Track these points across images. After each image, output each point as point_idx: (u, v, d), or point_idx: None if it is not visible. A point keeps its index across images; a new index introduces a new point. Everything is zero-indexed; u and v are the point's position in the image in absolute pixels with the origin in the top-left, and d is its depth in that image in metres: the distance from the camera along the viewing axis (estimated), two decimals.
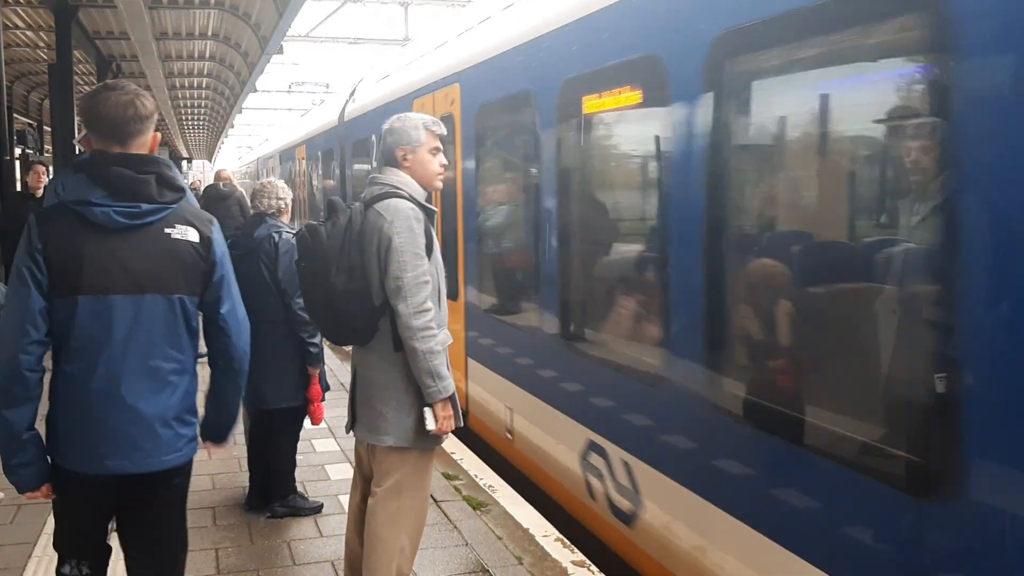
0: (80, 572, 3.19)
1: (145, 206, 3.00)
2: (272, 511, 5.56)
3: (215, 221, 3.27)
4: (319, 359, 5.44)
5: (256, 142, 45.22)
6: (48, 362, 3.01)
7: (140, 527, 3.22)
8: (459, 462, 6.79)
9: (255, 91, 25.90)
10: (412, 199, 3.93)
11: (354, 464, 4.34)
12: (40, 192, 8.84)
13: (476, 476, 6.45)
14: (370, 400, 3.99)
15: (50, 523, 3.51)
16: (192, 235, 3.10)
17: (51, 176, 9.08)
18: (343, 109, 13.51)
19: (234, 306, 3.29)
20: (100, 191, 2.96)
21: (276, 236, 5.37)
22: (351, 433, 4.18)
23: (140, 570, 3.28)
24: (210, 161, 58.45)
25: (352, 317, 3.89)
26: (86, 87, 24.28)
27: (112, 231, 2.97)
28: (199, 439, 3.26)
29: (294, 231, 5.03)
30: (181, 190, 3.12)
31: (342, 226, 3.88)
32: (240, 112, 31.80)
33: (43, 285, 2.93)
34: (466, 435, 7.14)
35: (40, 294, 2.92)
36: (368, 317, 3.90)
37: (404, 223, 3.83)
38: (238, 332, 3.33)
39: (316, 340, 5.34)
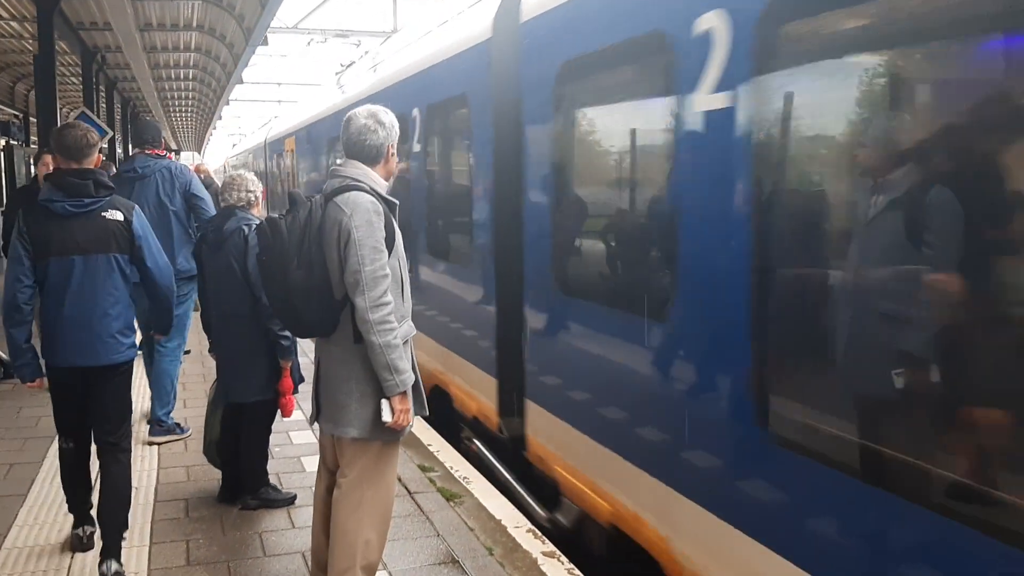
0: (67, 445, 4.93)
1: (87, 200, 4.66)
2: (244, 503, 5.58)
3: (135, 207, 4.88)
4: (290, 352, 5.45)
5: (254, 126, 43.47)
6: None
7: (99, 402, 4.79)
8: (435, 454, 6.81)
9: (242, 82, 25.79)
10: (373, 192, 3.93)
11: (318, 456, 4.35)
12: None
13: (451, 468, 6.47)
14: (333, 392, 4.00)
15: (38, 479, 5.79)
16: (119, 216, 4.73)
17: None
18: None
19: (154, 258, 4.84)
20: (59, 193, 4.65)
21: (246, 229, 5.37)
22: (315, 425, 4.19)
23: (100, 435, 4.84)
24: (199, 152, 58.28)
25: (312, 311, 3.90)
26: (72, 78, 24.17)
27: (67, 217, 4.63)
28: (138, 350, 4.97)
29: None
30: (111, 189, 4.78)
31: (302, 220, 3.88)
32: (228, 104, 31.66)
33: (29, 253, 4.61)
34: None
35: (27, 259, 4.62)
36: (328, 311, 3.91)
37: (363, 216, 3.83)
38: (159, 274, 4.86)
39: (287, 333, 5.33)
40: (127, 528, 4.88)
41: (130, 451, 4.89)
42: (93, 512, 4.99)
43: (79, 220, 4.63)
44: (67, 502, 5.05)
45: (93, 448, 4.96)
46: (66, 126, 4.93)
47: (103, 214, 4.68)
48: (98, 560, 4.62)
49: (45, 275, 4.62)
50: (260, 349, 5.41)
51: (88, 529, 5.01)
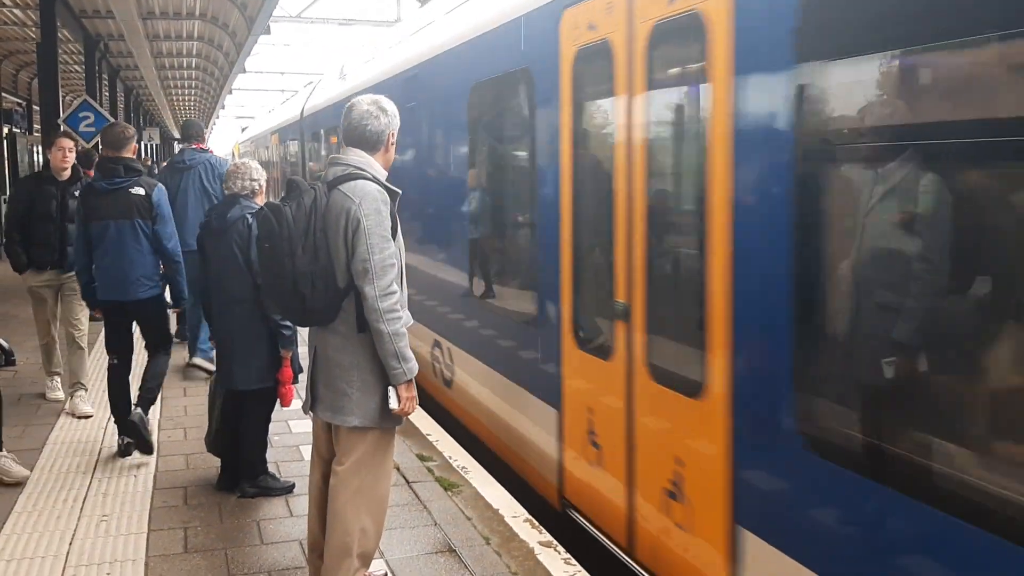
0: (113, 361, 6.49)
1: (117, 180, 6.27)
2: (242, 491, 5.59)
3: (159, 185, 6.46)
4: (291, 341, 5.45)
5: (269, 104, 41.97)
6: None
7: (142, 325, 6.55)
8: (434, 443, 6.82)
9: (245, 71, 25.77)
10: (377, 180, 3.93)
11: (312, 445, 4.36)
12: (67, 173, 7.59)
13: (450, 458, 6.48)
14: (333, 381, 4.01)
15: (38, 465, 6.28)
16: (141, 192, 6.28)
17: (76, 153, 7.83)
18: None
19: (163, 225, 6.33)
20: (99, 175, 6.38)
21: (249, 217, 5.36)
22: (310, 414, 4.20)
23: (148, 345, 6.57)
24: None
25: (316, 299, 3.90)
26: (75, 66, 24.14)
27: (104, 192, 6.28)
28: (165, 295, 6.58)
29: None
30: (138, 172, 6.39)
31: (307, 207, 3.87)
32: (231, 93, 31.64)
33: (84, 219, 6.33)
34: None
35: (83, 224, 6.36)
36: (332, 299, 3.91)
37: (372, 205, 3.84)
38: (164, 238, 6.33)
39: (288, 322, 5.34)
40: (156, 398, 6.60)
41: (169, 354, 6.66)
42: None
43: (112, 195, 6.24)
44: (112, 413, 6.60)
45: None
46: (111, 124, 7.00)
47: (130, 190, 6.24)
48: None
49: (92, 235, 6.29)
50: (261, 337, 5.42)
51: (127, 439, 6.32)
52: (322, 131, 13.76)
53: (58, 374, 8.04)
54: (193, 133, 9.43)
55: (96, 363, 8.73)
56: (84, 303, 6.96)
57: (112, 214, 6.20)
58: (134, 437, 6.22)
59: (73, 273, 7.04)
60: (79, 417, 7.32)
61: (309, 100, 15.84)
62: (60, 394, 7.89)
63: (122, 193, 6.20)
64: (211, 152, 9.42)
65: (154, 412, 7.47)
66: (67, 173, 7.62)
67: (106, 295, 6.34)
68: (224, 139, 69.74)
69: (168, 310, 6.67)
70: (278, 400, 5.63)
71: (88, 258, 6.35)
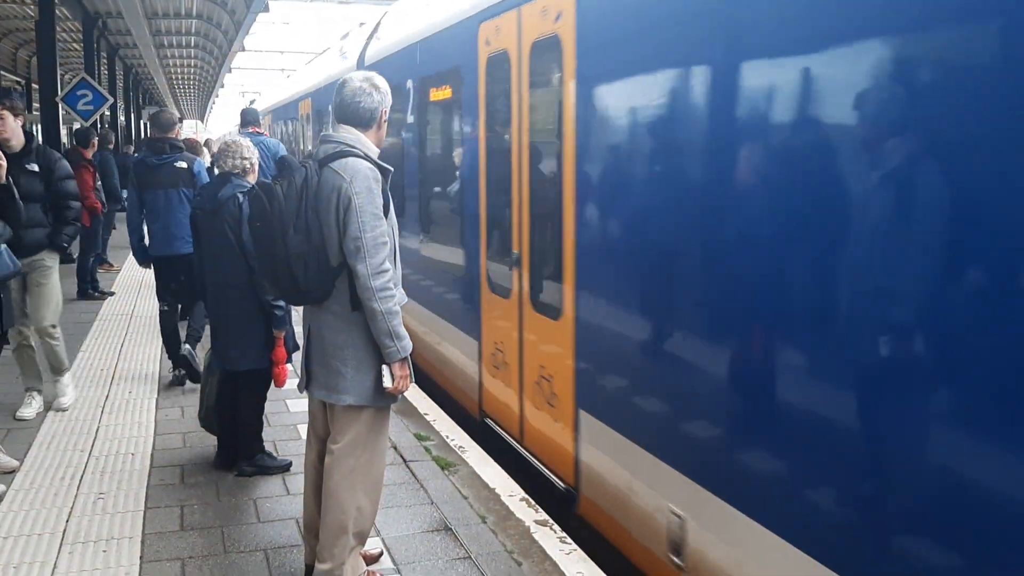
0: (164, 308, 7.92)
1: (164, 156, 7.66)
2: (240, 470, 5.59)
3: (197, 159, 7.96)
4: (284, 322, 5.43)
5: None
6: None
7: (187, 275, 7.19)
8: (432, 423, 6.83)
9: (244, 50, 25.64)
10: (368, 158, 3.91)
11: (308, 424, 4.36)
12: (15, 144, 6.32)
13: (447, 437, 6.49)
14: (327, 359, 4.00)
15: (35, 443, 6.19)
16: (184, 165, 7.66)
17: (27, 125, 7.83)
18: None
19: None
20: (150, 152, 7.79)
21: (241, 197, 5.33)
22: (304, 392, 4.19)
23: (192, 295, 7.34)
24: (202, 121, 58.06)
25: (309, 278, 3.87)
26: (74, 44, 24.05)
27: (153, 167, 7.64)
28: None
29: None
30: (180, 148, 7.89)
31: (299, 185, 3.85)
32: (230, 71, 31.52)
33: (137, 189, 7.65)
34: None
35: (136, 193, 7.65)
36: (325, 277, 3.89)
37: (363, 183, 3.81)
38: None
39: (281, 303, 5.33)
40: (201, 336, 7.57)
41: None
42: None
43: (160, 168, 7.62)
44: (166, 352, 7.99)
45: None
46: (160, 111, 8.44)
47: (174, 164, 7.64)
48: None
49: (145, 202, 7.65)
50: (255, 317, 5.40)
51: (181, 370, 7.65)
52: (409, 83, 8.60)
53: (36, 390, 6.92)
54: (250, 119, 10.71)
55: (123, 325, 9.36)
56: (58, 294, 6.75)
57: (160, 184, 7.58)
58: (185, 368, 7.60)
59: (39, 256, 6.48)
60: (58, 411, 6.91)
61: (375, 41, 10.77)
62: (30, 412, 6.73)
63: (168, 167, 7.60)
64: (266, 135, 11.02)
65: (151, 392, 7.49)
66: (15, 144, 6.31)
67: (157, 251, 7.70)
68: (225, 117, 69.14)
69: None
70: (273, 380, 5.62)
71: (140, 220, 7.73)
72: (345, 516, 4.01)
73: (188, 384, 7.60)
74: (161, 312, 7.95)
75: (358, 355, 3.95)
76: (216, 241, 5.46)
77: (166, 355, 8.05)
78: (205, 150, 14.49)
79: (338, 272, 3.90)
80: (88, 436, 6.34)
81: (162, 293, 7.89)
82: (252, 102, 31.42)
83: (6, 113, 6.27)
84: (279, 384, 5.60)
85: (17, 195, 5.57)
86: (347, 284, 3.88)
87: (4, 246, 5.20)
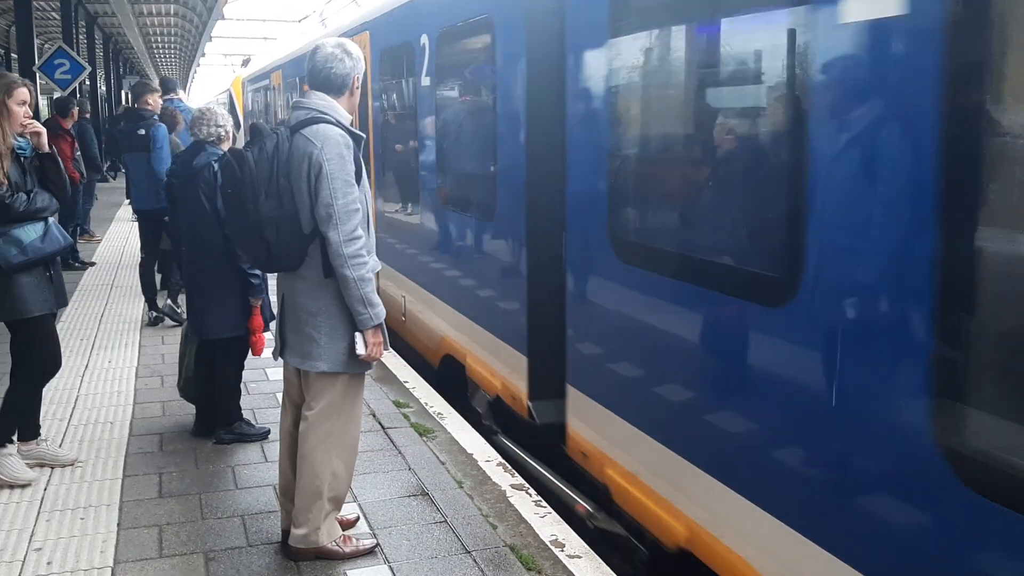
0: (143, 256, 9.00)
1: (131, 124, 9.02)
2: (218, 438, 5.62)
3: (157, 124, 8.56)
4: (260, 290, 5.43)
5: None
6: None
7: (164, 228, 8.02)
8: (411, 391, 6.86)
9: (224, 18, 25.36)
10: (340, 124, 3.90)
11: (283, 390, 4.38)
12: None
13: (426, 404, 6.52)
14: (301, 326, 4.01)
15: None
16: (143, 132, 8.59)
17: None
18: None
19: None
20: (125, 120, 9.76)
21: (215, 165, 5.31)
22: (279, 359, 4.21)
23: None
24: (184, 90, 57.49)
25: (281, 244, 3.88)
26: (53, 13, 23.73)
27: (126, 133, 9.03)
28: None
29: None
30: (143, 117, 8.81)
31: (269, 152, 3.84)
32: (211, 40, 31.19)
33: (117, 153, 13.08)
34: None
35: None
36: (297, 244, 3.89)
37: (334, 150, 3.81)
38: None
39: (257, 271, 5.32)
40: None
41: None
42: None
43: (129, 135, 8.80)
44: (143, 295, 9.03)
45: None
46: (137, 81, 9.67)
47: (136, 131, 8.71)
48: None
49: (124, 164, 8.62)
50: (231, 285, 5.39)
51: (154, 313, 8.75)
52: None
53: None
54: (171, 86, 10.96)
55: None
56: None
57: (131, 148, 8.77)
58: (169, 316, 8.80)
59: None
60: None
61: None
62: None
63: (133, 134, 8.73)
64: (185, 102, 11.42)
65: (131, 362, 7.50)
66: None
67: (136, 206, 9.07)
68: (210, 84, 68.15)
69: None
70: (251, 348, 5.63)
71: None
72: (320, 481, 4.04)
73: (168, 322, 8.77)
74: (141, 259, 9.10)
75: (331, 322, 3.96)
76: (191, 209, 5.44)
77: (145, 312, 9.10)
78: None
79: (311, 239, 3.90)
80: (67, 405, 6.35)
81: (143, 242, 9.09)
82: (246, 62, 29.64)
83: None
84: (256, 352, 5.61)
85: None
86: (320, 251, 3.89)
87: (53, 219, 5.04)
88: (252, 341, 5.54)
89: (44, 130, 4.99)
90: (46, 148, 4.96)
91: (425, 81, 7.24)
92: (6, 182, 4.69)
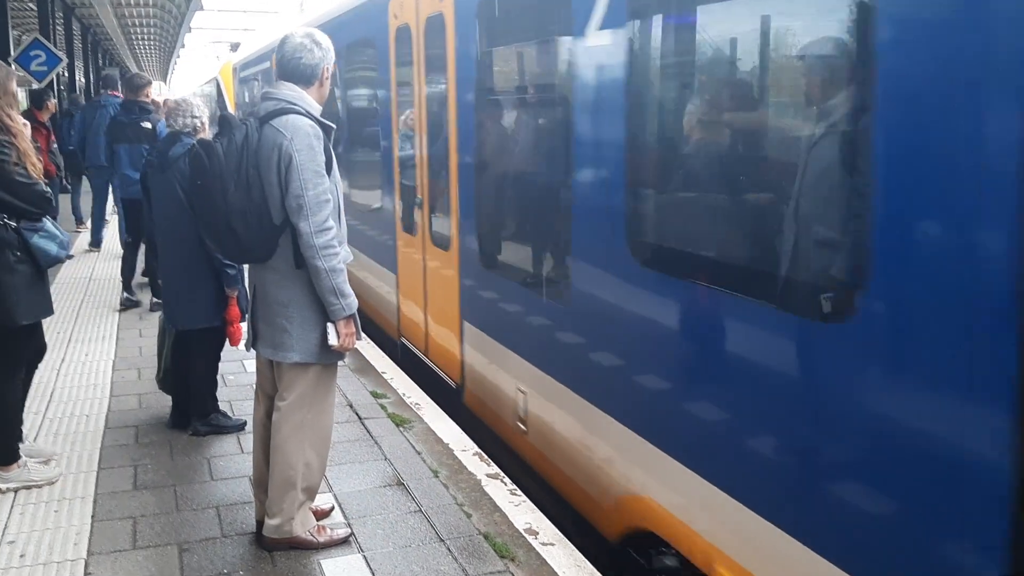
0: (127, 240, 9.41)
1: (133, 115, 9.28)
2: (194, 429, 5.61)
3: (161, 119, 8.44)
4: (236, 280, 5.41)
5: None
6: None
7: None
8: (389, 381, 6.87)
9: (203, 9, 25.21)
10: (310, 115, 3.90)
11: (256, 381, 4.38)
12: None
13: (404, 394, 6.54)
14: (272, 317, 4.01)
15: None
16: (149, 125, 9.11)
17: None
18: None
19: None
20: (122, 111, 9.55)
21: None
22: (251, 350, 4.21)
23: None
24: (164, 82, 57.13)
25: (251, 235, 3.87)
26: (30, 4, 23.50)
27: (123, 124, 9.30)
28: None
29: None
30: (149, 110, 9.29)
31: (239, 143, 3.83)
32: (190, 31, 30.99)
33: (109, 143, 9.69)
34: None
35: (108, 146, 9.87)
36: (267, 235, 3.89)
37: (304, 140, 3.80)
38: None
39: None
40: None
41: None
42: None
43: (128, 126, 9.18)
44: (121, 280, 9.32)
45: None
46: (133, 75, 9.81)
47: (140, 123, 9.16)
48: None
49: (116, 154, 9.20)
50: (205, 276, 5.38)
51: (127, 296, 9.18)
52: None
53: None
54: (109, 83, 11.94)
55: None
56: None
57: (129, 139, 8.99)
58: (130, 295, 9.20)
59: None
60: None
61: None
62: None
63: (135, 125, 9.06)
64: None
65: (108, 355, 7.47)
66: None
67: (123, 194, 9.22)
68: (194, 73, 67.08)
69: None
70: (227, 339, 5.62)
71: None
72: (293, 471, 4.05)
73: (145, 313, 8.93)
74: (123, 244, 9.54)
75: (303, 313, 3.97)
76: (166, 199, 5.43)
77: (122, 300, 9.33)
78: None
79: (281, 230, 3.90)
80: (43, 399, 6.32)
81: (130, 229, 9.26)
82: (235, 47, 27.65)
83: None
84: (234, 343, 5.58)
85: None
86: (291, 242, 3.89)
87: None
88: (229, 332, 5.53)
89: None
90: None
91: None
92: (43, 178, 4.68)
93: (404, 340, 7.84)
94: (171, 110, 5.65)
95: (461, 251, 6.15)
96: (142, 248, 9.16)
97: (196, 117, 5.58)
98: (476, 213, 5.90)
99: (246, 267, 5.20)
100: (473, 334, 6.04)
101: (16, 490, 4.78)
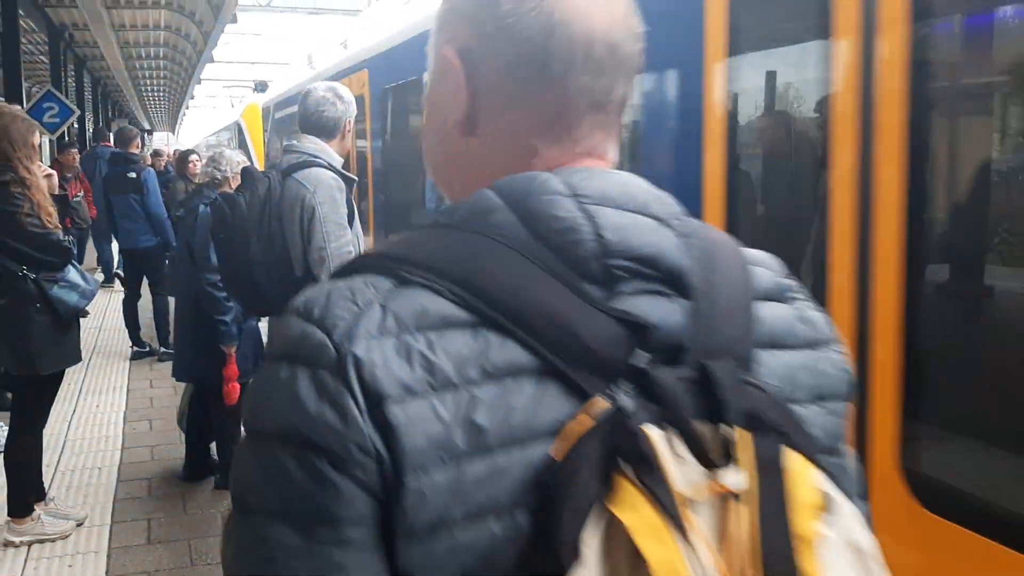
0: (126, 292, 9.63)
1: (119, 167, 9.65)
2: (216, 481, 5.56)
3: (146, 168, 9.85)
4: (231, 337, 5.20)
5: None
6: None
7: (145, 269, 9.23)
8: None
9: (213, 61, 25.54)
10: (331, 167, 3.92)
11: None
12: None
13: None
14: None
15: None
16: (133, 175, 9.40)
17: None
18: None
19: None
20: (112, 164, 10.07)
21: (202, 206, 5.28)
22: None
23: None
24: (173, 133, 57.69)
25: (274, 286, 3.87)
26: (41, 56, 23.83)
27: (114, 176, 9.73)
28: None
29: None
30: (135, 161, 9.71)
31: (261, 195, 3.85)
32: (199, 83, 31.36)
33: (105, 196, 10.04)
34: None
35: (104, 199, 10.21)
36: (290, 286, 3.89)
37: (327, 193, 3.82)
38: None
39: (227, 316, 5.12)
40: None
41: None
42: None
43: (117, 178, 9.45)
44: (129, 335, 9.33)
45: None
46: (120, 128, 10.13)
47: (126, 175, 9.39)
48: None
49: (113, 205, 9.42)
50: (193, 325, 5.30)
51: (135, 347, 9.28)
52: None
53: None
54: (100, 135, 12.98)
55: None
56: None
57: (119, 191, 9.30)
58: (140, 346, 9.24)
59: None
60: None
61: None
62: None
63: (122, 176, 9.37)
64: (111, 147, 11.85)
65: (119, 406, 7.45)
66: None
67: (122, 245, 9.77)
68: (199, 124, 67.57)
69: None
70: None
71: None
72: None
73: (156, 364, 8.90)
74: (124, 296, 9.61)
75: None
76: (180, 248, 5.50)
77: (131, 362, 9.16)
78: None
79: (303, 283, 3.89)
80: (55, 451, 6.28)
81: (129, 280, 9.67)
82: (261, 87, 24.40)
83: None
84: (229, 401, 5.32)
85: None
86: None
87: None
88: (226, 390, 5.28)
89: (54, 172, 4.99)
90: (57, 190, 4.99)
91: None
92: (60, 227, 4.68)
93: None
94: (204, 163, 5.73)
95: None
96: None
97: (220, 170, 5.58)
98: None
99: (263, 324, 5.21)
100: None
101: (30, 544, 4.73)
